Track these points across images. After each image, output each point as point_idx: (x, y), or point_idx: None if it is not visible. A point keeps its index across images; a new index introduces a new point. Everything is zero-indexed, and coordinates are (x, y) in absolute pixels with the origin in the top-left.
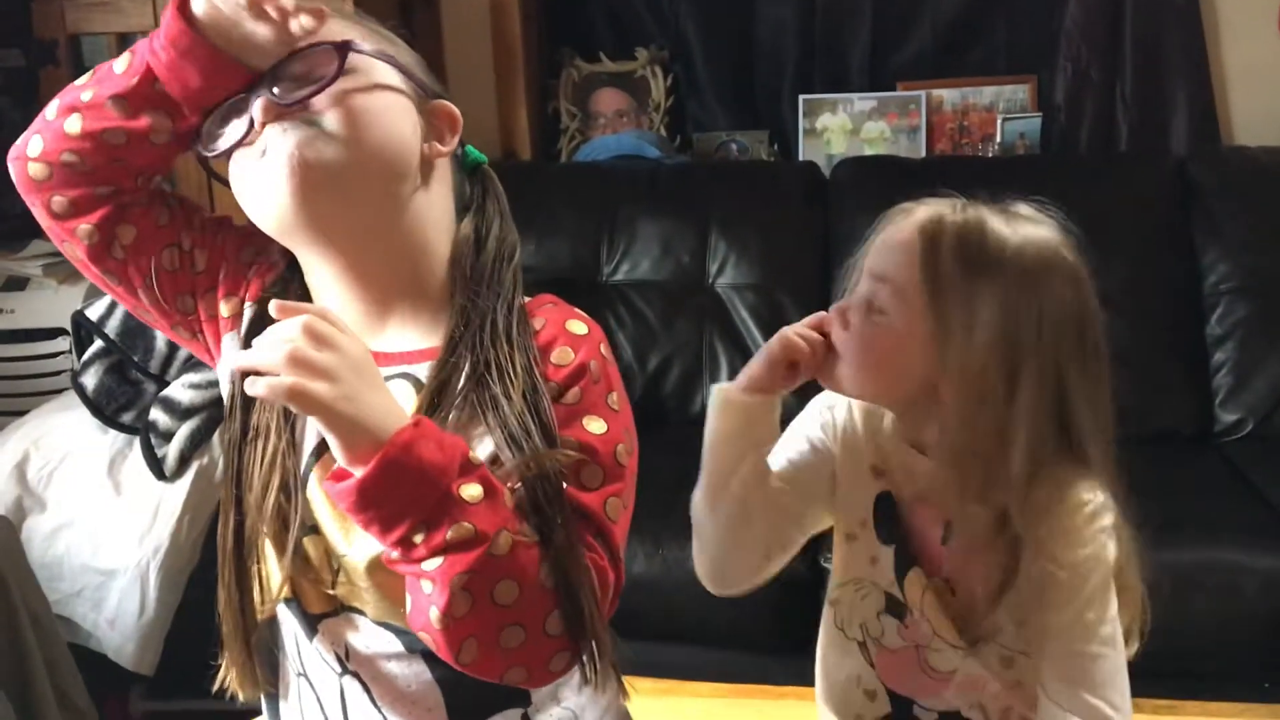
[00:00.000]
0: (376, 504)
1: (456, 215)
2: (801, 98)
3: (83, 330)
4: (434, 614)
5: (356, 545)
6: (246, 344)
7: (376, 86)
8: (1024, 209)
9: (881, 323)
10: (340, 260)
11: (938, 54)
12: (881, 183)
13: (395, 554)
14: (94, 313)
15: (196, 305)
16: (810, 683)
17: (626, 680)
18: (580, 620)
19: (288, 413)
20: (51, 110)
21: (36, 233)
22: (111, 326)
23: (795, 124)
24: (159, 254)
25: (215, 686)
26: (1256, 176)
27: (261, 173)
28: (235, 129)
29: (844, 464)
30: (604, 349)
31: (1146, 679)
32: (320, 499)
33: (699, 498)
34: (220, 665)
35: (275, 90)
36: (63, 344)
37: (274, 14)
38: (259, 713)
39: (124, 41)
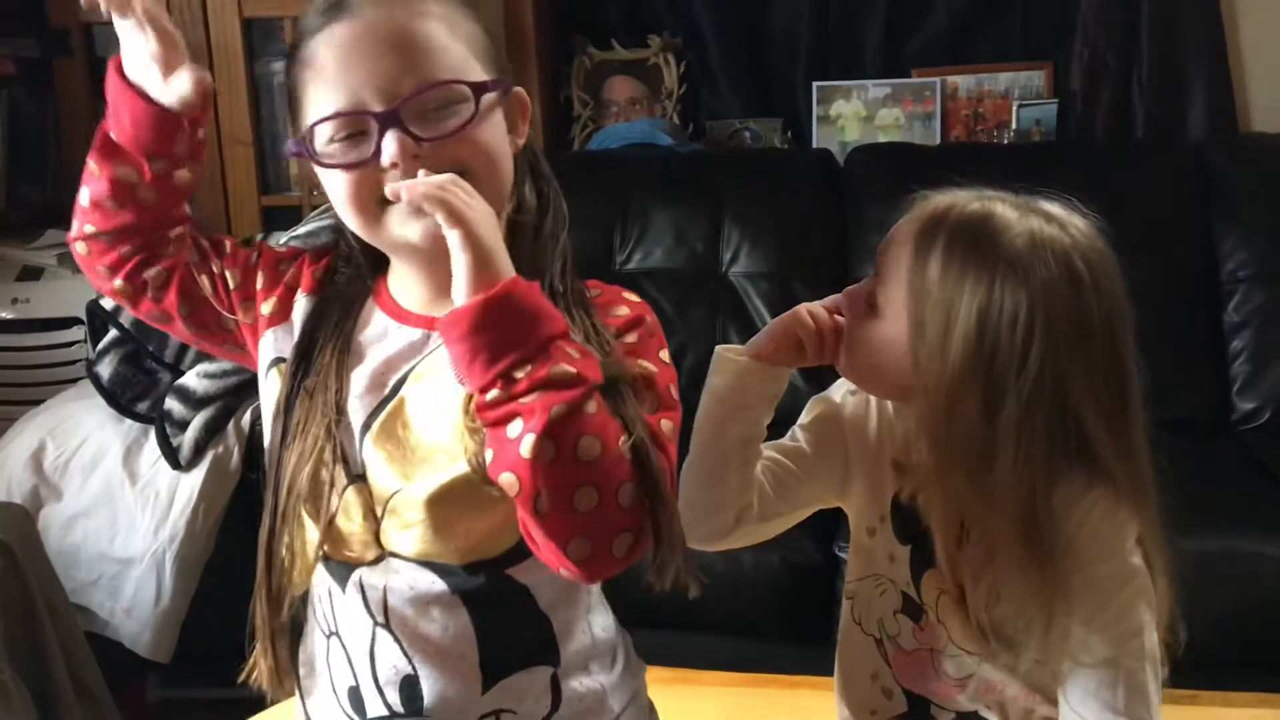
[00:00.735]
0: (491, 328)
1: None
2: (815, 84)
3: (98, 320)
4: (528, 442)
5: (418, 480)
6: (308, 325)
7: (492, 111)
8: (1052, 207)
9: (873, 319)
10: (433, 259)
11: (952, 40)
12: (896, 170)
13: (494, 392)
14: (109, 302)
15: (238, 319)
16: (823, 672)
17: None
18: (654, 493)
19: (337, 391)
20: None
21: (51, 223)
22: (126, 316)
23: (809, 111)
24: (195, 285)
25: (240, 679)
26: (1275, 163)
27: (400, 210)
28: (358, 153)
29: (860, 454)
30: (655, 316)
31: (1165, 668)
32: (373, 451)
33: (688, 455)
34: (249, 661)
35: (410, 128)
36: (78, 333)
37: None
38: (274, 701)
39: None
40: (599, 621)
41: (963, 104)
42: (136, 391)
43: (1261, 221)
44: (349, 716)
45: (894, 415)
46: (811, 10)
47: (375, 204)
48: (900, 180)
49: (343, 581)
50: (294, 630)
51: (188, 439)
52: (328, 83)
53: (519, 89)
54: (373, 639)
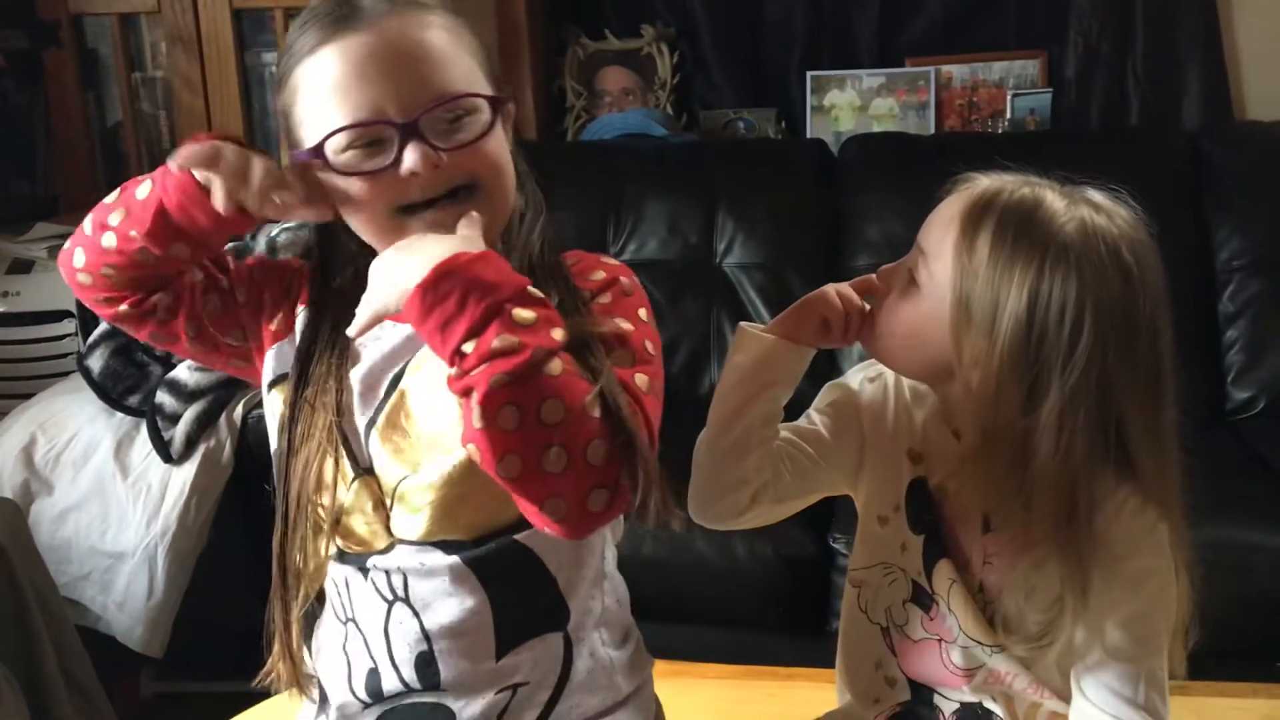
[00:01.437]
0: (433, 308)
1: None
2: (809, 74)
3: (88, 312)
4: (475, 414)
5: (426, 468)
6: (304, 339)
7: (499, 125)
8: (1097, 196)
9: (913, 295)
10: None
11: (947, 29)
12: (890, 160)
13: (453, 369)
14: None
15: (246, 334)
16: (819, 664)
17: None
18: (629, 445)
19: (337, 393)
20: (87, 225)
21: (40, 215)
22: None
23: (803, 101)
24: (203, 307)
25: (255, 681)
26: (1269, 152)
27: (422, 223)
28: (375, 162)
29: (875, 442)
30: (634, 278)
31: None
32: (379, 445)
33: (705, 431)
34: (266, 664)
35: (430, 140)
36: (68, 326)
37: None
38: (268, 694)
39: (126, 22)
40: (611, 593)
41: (957, 93)
42: (128, 385)
43: (1256, 210)
44: (362, 702)
45: (911, 403)
46: (805, 0)
47: (392, 212)
48: (894, 170)
49: (357, 569)
50: (306, 622)
51: (179, 432)
52: (344, 92)
53: (510, 103)
54: (387, 618)
